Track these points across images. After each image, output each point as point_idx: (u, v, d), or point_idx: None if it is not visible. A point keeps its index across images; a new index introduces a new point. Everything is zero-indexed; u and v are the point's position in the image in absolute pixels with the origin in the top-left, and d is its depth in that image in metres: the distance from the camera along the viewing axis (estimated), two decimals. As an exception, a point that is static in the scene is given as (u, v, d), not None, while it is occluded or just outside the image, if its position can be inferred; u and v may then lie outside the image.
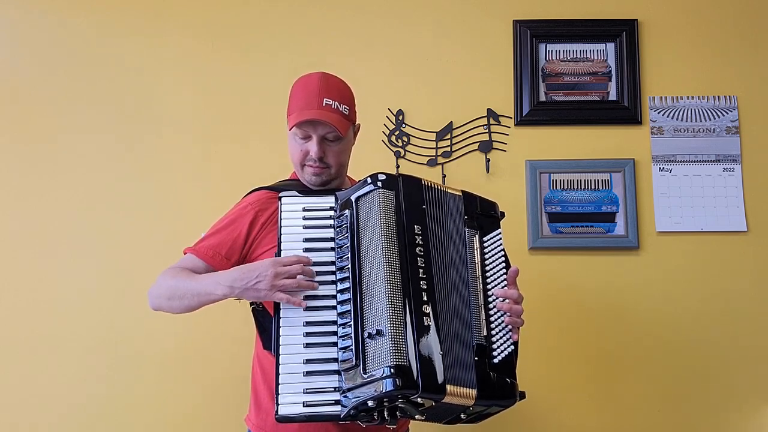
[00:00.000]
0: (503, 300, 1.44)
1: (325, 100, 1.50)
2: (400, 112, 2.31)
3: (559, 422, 2.20)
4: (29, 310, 2.22)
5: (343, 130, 1.50)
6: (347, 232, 1.42)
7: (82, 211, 2.26)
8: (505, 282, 1.47)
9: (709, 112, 2.32)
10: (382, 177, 1.43)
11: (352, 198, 1.45)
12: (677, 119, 2.31)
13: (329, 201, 1.49)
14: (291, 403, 1.30)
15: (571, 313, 2.24)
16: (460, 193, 1.53)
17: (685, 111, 2.32)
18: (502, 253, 1.51)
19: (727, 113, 2.31)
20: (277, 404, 1.31)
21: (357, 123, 1.63)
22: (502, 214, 1.57)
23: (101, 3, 2.35)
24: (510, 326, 1.44)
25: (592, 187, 2.28)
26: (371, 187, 1.42)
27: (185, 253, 1.57)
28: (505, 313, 1.43)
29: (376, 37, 2.34)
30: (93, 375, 2.19)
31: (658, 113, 2.32)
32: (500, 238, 1.52)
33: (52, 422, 2.18)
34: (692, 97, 2.32)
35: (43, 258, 2.24)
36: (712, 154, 2.30)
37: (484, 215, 1.53)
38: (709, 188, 2.28)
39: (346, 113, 1.53)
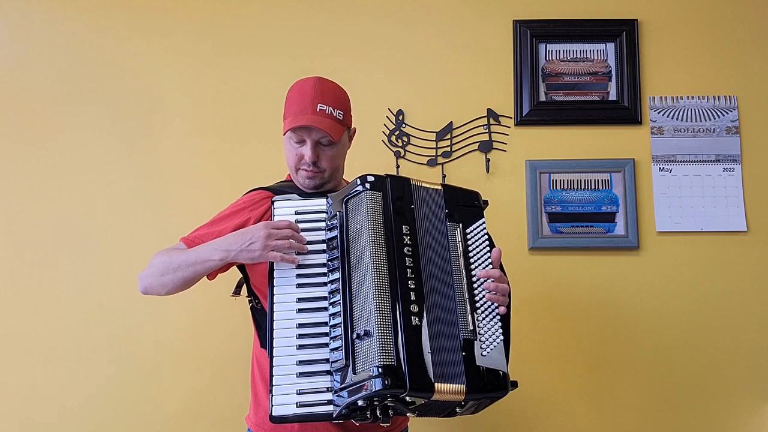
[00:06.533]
0: (488, 280, 1.45)
1: (319, 105, 1.51)
2: (400, 112, 2.32)
3: (558, 422, 2.20)
4: (28, 310, 2.22)
5: (335, 136, 1.52)
6: (337, 233, 1.44)
7: (81, 211, 2.27)
8: (490, 267, 1.48)
9: (709, 112, 2.32)
10: (370, 179, 1.46)
11: (342, 200, 1.47)
12: (677, 119, 2.31)
13: (321, 204, 1.51)
14: (284, 404, 1.33)
15: (571, 312, 2.24)
16: (440, 187, 1.54)
17: (685, 111, 2.32)
18: (486, 243, 1.51)
19: (727, 113, 2.31)
20: (271, 405, 1.33)
21: (353, 128, 1.64)
22: (485, 203, 1.58)
23: (100, 3, 2.35)
24: (495, 304, 1.44)
25: (592, 187, 2.28)
26: (360, 188, 1.45)
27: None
28: (491, 295, 1.44)
29: (376, 37, 2.35)
30: (93, 375, 2.20)
31: (658, 113, 2.32)
32: (483, 228, 1.53)
33: (54, 423, 2.18)
34: (692, 97, 2.32)
35: (43, 258, 2.24)
36: (712, 154, 2.30)
37: (465, 206, 1.54)
38: (709, 188, 2.28)
39: (340, 118, 1.55)
